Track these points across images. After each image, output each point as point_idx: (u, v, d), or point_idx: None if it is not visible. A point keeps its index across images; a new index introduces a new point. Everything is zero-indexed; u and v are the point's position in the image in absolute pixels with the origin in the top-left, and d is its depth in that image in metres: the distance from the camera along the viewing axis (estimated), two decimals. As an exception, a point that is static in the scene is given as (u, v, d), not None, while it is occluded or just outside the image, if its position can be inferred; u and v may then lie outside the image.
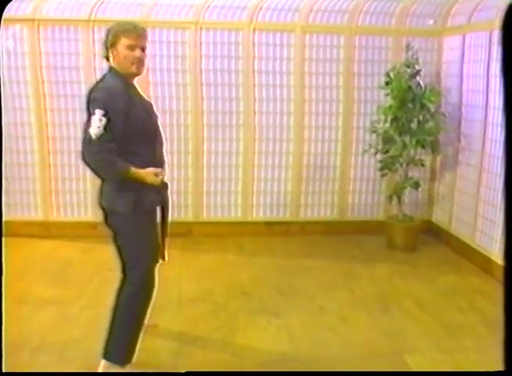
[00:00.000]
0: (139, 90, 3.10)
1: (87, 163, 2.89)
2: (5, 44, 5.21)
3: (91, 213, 5.67)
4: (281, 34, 5.52)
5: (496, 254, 4.66)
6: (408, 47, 5.28)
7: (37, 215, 5.67)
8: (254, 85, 5.58)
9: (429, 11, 5.55)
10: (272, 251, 5.36)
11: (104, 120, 2.73)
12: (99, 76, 5.23)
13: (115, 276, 4.61)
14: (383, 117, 5.41)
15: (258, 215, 5.88)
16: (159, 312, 3.97)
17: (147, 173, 2.90)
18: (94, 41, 5.33)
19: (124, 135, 2.83)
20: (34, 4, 5.19)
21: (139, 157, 2.91)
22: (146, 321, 3.17)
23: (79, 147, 5.46)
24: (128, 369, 3.05)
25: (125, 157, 2.84)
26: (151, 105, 3.15)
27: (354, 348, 3.54)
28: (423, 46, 5.62)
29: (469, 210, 5.20)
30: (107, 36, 2.93)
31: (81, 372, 3.19)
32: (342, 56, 5.64)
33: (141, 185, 2.89)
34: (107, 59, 2.98)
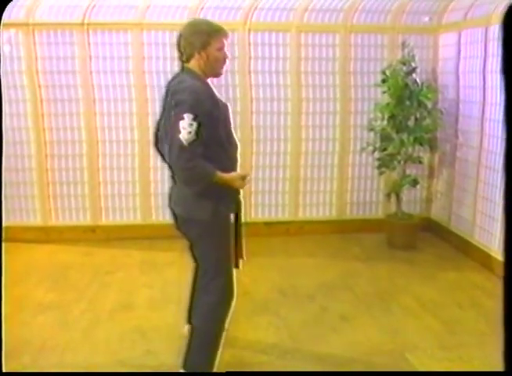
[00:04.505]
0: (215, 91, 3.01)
1: (174, 168, 2.80)
2: (1, 49, 5.19)
3: (89, 217, 5.68)
4: (276, 34, 5.52)
5: (496, 250, 4.65)
6: (404, 44, 5.28)
7: (36, 220, 5.66)
8: (250, 85, 5.58)
9: (424, 8, 5.55)
10: (271, 251, 5.35)
11: (195, 124, 2.63)
12: (95, 79, 5.37)
13: (114, 279, 4.65)
14: (380, 115, 5.41)
15: (257, 215, 5.87)
16: (160, 313, 3.99)
17: (233, 177, 2.82)
18: (89, 44, 5.33)
19: (207, 139, 2.72)
20: (25, 8, 5.18)
21: (218, 160, 2.80)
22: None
23: (77, 151, 5.55)
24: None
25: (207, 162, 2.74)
26: (226, 105, 3.00)
27: (355, 347, 3.53)
28: (419, 43, 5.61)
29: (468, 206, 5.20)
30: (193, 37, 2.82)
31: (80, 372, 3.21)
32: (338, 55, 5.63)
33: (219, 191, 2.79)
34: (186, 60, 2.88)
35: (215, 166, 2.76)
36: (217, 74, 2.96)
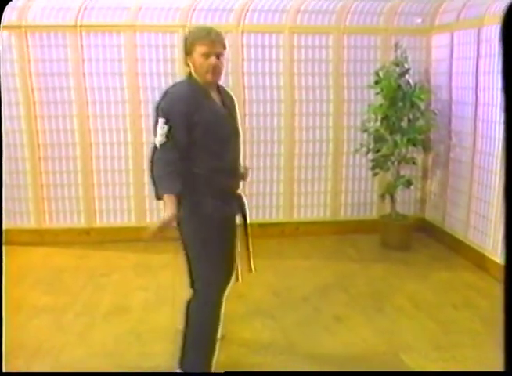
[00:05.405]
0: (215, 95, 2.95)
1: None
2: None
3: (83, 219, 5.67)
4: (269, 36, 5.53)
5: (490, 250, 4.67)
6: (396, 46, 5.30)
7: (30, 223, 5.64)
8: (243, 87, 5.58)
9: (417, 9, 5.57)
10: (266, 252, 5.32)
11: (166, 128, 2.69)
12: (88, 81, 5.36)
13: (108, 281, 4.65)
14: (373, 116, 5.43)
15: (251, 217, 5.81)
16: (155, 315, 3.98)
17: (164, 218, 2.77)
18: (82, 46, 5.32)
19: (189, 141, 2.76)
20: (17, 10, 5.16)
21: (204, 163, 2.82)
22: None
23: (70, 153, 5.52)
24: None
25: (188, 164, 2.77)
26: (222, 111, 2.96)
27: (350, 348, 3.53)
28: (412, 45, 5.64)
29: (461, 207, 5.22)
30: (185, 44, 2.88)
31: (80, 372, 3.20)
32: (331, 56, 5.65)
33: (202, 191, 2.82)
34: (188, 65, 2.92)
35: (202, 167, 2.80)
36: (205, 81, 2.86)
